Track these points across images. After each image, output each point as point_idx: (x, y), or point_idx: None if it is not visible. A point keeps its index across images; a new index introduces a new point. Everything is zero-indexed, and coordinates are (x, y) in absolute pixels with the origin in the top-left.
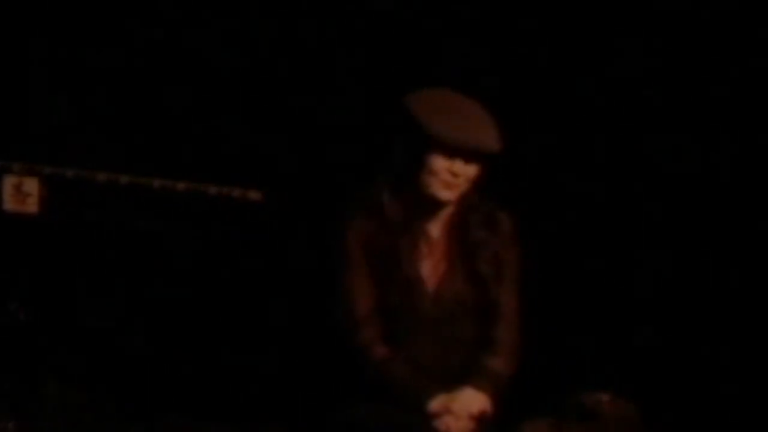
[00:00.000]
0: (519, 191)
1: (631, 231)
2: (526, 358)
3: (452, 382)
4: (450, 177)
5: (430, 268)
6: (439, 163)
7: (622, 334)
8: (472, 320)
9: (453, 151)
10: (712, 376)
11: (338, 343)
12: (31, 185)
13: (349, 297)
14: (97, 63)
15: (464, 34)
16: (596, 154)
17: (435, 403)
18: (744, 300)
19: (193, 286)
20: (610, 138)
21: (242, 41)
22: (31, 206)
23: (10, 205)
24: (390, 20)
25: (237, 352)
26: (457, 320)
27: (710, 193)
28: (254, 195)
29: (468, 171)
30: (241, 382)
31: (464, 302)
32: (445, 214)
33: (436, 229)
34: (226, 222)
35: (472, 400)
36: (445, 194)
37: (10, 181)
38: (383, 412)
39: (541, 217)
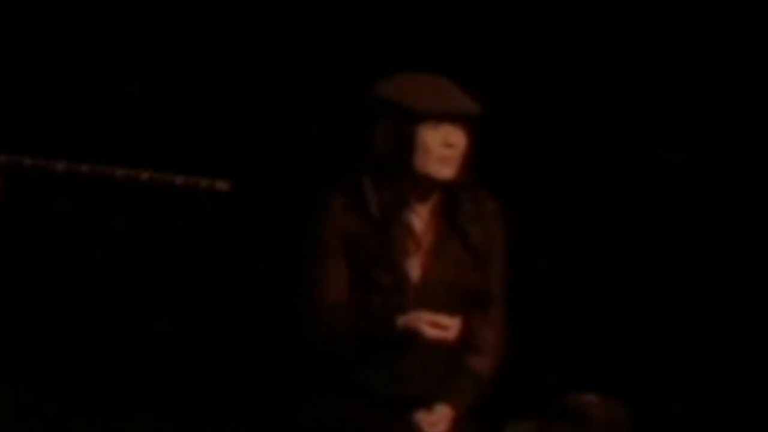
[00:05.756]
0: (506, 186)
1: (623, 231)
2: (513, 358)
3: (434, 387)
4: (445, 150)
5: (416, 266)
6: (431, 136)
7: (612, 335)
8: (459, 316)
9: (441, 121)
10: (703, 377)
11: (299, 336)
12: None
13: (319, 285)
14: (58, 50)
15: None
16: (584, 151)
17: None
18: (738, 300)
19: (159, 279)
20: (602, 135)
21: (214, 28)
22: None
23: None
24: (361, 11)
25: (202, 348)
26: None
27: (706, 194)
28: (222, 185)
29: (460, 140)
30: (205, 378)
31: (453, 295)
32: (430, 204)
33: (420, 223)
34: (193, 213)
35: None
36: (444, 171)
37: None
38: (351, 411)
39: (530, 212)
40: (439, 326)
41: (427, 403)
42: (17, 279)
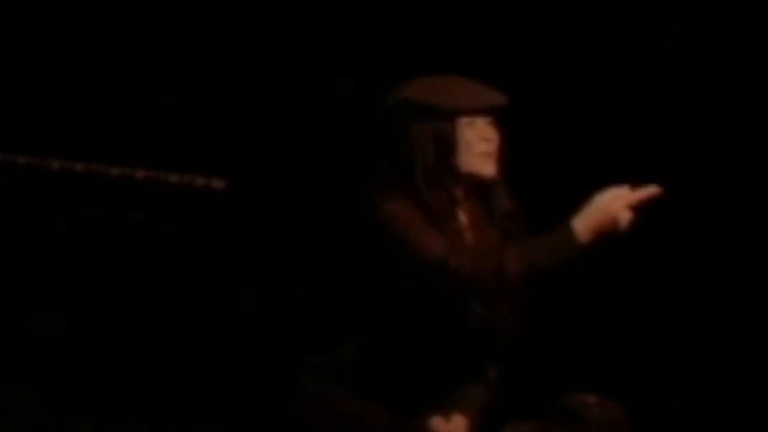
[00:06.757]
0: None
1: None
2: (510, 359)
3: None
4: (485, 144)
5: None
6: (470, 133)
7: (611, 335)
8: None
9: (475, 117)
10: (703, 377)
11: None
12: None
13: (433, 241)
14: (53, 48)
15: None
16: (583, 150)
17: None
18: (738, 301)
19: (153, 278)
20: (605, 136)
21: (211, 27)
22: None
23: None
24: (363, 14)
25: (198, 347)
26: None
27: (707, 195)
28: (218, 184)
29: (495, 134)
30: (201, 378)
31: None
32: (471, 203)
33: (465, 222)
34: (188, 212)
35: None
36: (488, 169)
37: None
38: (366, 414)
39: (529, 212)
40: (622, 198)
41: (442, 409)
42: (11, 278)
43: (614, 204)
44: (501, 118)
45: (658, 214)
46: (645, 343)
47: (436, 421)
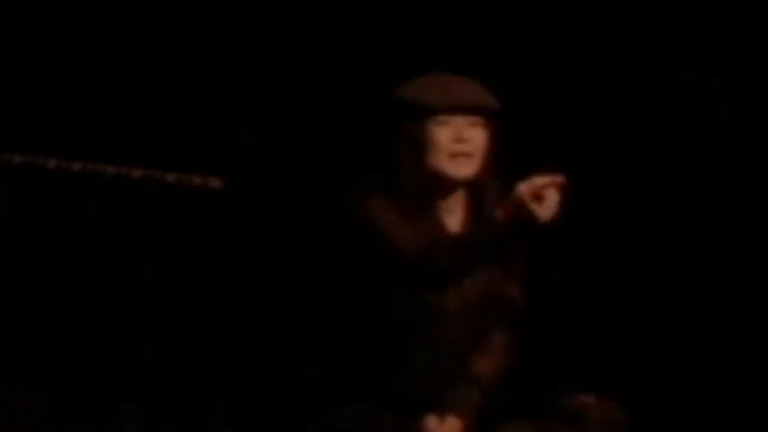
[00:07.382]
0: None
1: (622, 231)
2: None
3: (443, 386)
4: (457, 145)
5: None
6: (441, 132)
7: (609, 335)
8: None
9: (452, 116)
10: (702, 377)
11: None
12: None
13: (404, 237)
14: (49, 47)
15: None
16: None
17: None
18: (738, 302)
19: (151, 278)
20: (605, 142)
21: (207, 26)
22: None
23: None
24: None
25: (195, 346)
26: (473, 318)
27: (710, 195)
28: (215, 182)
29: (475, 136)
30: (199, 378)
31: (485, 296)
32: (459, 203)
33: (453, 223)
34: (185, 211)
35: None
36: (457, 169)
37: None
38: (361, 416)
39: None
40: (538, 194)
41: (437, 409)
42: (8, 278)
43: (520, 191)
44: (500, 122)
45: (657, 214)
46: (644, 342)
47: (431, 422)
